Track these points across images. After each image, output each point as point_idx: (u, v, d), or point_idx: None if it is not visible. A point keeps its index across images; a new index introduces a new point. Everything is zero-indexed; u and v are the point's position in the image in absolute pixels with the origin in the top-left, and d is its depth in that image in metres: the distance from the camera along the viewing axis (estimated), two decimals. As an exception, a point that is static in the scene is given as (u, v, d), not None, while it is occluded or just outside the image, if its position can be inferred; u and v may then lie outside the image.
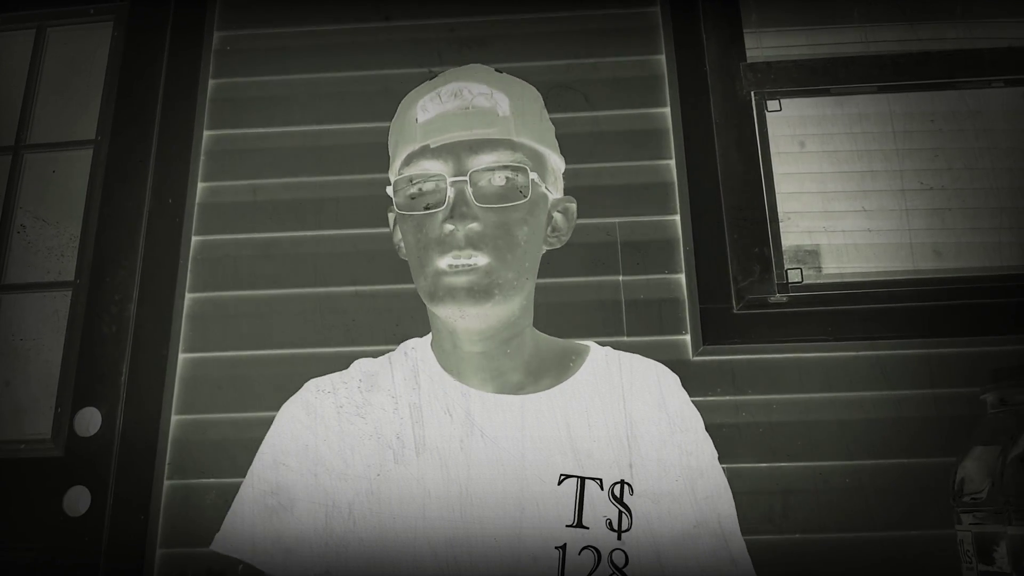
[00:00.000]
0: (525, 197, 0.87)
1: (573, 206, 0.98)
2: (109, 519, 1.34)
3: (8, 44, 1.72)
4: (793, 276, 1.43)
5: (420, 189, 0.90)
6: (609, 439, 0.91)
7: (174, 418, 1.40)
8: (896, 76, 1.51)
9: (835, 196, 1.53)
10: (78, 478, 1.37)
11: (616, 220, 1.46)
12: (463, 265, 0.85)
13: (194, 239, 1.50)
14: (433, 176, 0.89)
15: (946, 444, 1.28)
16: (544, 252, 0.98)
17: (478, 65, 0.98)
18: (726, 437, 1.33)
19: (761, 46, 1.59)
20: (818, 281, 1.46)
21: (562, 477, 0.85)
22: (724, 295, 1.40)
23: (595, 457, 0.89)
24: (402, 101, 0.99)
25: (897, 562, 1.26)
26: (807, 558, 1.27)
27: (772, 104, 1.52)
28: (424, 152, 0.90)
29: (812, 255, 1.50)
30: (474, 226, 0.85)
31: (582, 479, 0.85)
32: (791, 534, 1.29)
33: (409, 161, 0.92)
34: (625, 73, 1.56)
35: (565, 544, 0.82)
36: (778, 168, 1.50)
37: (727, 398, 1.35)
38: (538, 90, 1.07)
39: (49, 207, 1.61)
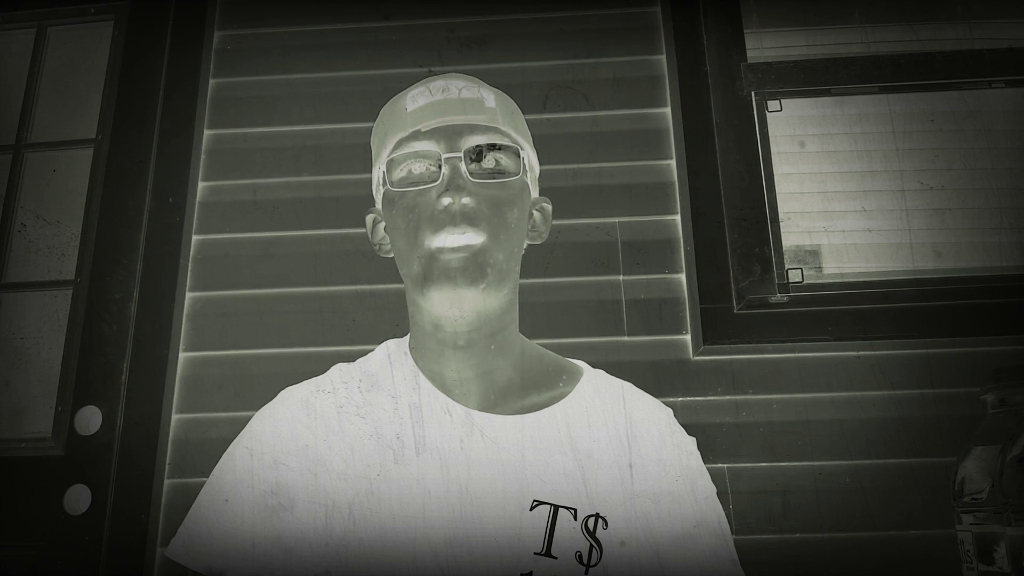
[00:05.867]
0: (518, 174, 0.87)
1: (549, 207, 0.98)
2: (109, 518, 1.34)
3: (8, 43, 1.72)
4: (793, 276, 1.43)
5: (410, 171, 0.88)
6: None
7: (174, 417, 1.40)
8: (896, 76, 1.51)
9: (835, 196, 1.53)
10: (78, 477, 1.37)
11: (616, 220, 1.46)
12: (458, 245, 0.84)
13: (194, 238, 1.50)
14: (425, 155, 0.88)
15: (946, 444, 1.28)
16: (525, 248, 0.97)
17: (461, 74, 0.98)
18: (726, 437, 1.33)
19: (762, 46, 1.59)
20: (818, 281, 1.46)
21: (535, 503, 0.85)
22: (724, 295, 1.40)
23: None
24: (386, 105, 0.97)
25: (897, 562, 1.26)
26: (807, 558, 1.27)
27: (772, 104, 1.52)
28: (415, 136, 0.89)
29: (812, 255, 1.50)
30: (468, 200, 0.84)
31: (555, 507, 0.85)
32: (791, 534, 1.29)
33: (399, 146, 0.90)
34: (625, 73, 1.56)
35: (531, 572, 0.82)
36: (778, 168, 1.50)
37: (727, 398, 1.35)
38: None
39: (49, 206, 1.61)
